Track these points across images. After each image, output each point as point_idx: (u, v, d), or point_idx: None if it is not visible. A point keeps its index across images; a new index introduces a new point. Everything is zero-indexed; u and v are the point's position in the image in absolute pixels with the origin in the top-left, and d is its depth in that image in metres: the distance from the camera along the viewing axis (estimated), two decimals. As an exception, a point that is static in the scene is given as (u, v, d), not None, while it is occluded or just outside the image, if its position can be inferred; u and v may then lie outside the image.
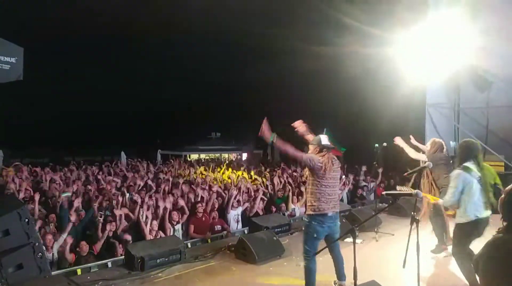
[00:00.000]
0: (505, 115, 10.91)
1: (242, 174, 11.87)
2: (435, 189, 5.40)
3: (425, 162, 5.15)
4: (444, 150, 5.76)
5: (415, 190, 3.04)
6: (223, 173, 12.77)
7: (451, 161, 5.70)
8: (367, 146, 12.57)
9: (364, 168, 12.65)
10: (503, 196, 2.14)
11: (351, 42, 13.26)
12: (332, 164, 4.12)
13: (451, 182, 4.22)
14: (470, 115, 12.05)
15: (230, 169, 13.46)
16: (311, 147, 4.29)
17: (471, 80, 11.15)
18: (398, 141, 6.11)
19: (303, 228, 4.32)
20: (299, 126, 4.52)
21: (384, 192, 4.51)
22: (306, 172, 4.30)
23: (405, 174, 4.84)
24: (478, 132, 11.37)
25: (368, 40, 11.20)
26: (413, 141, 6.28)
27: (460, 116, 12.34)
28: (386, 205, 4.59)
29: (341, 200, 9.93)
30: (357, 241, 5.16)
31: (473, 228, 4.07)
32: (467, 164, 4.20)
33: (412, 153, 5.91)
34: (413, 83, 10.12)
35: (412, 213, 3.44)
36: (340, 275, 4.39)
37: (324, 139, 4.23)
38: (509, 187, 2.20)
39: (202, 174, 12.38)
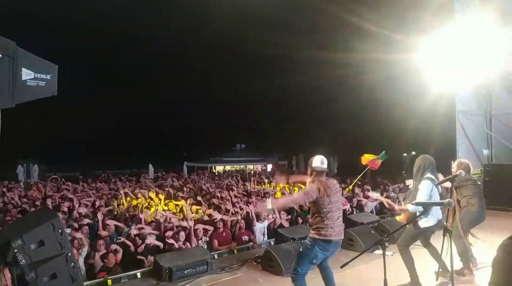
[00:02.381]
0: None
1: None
2: (455, 208, 5.27)
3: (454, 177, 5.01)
4: (471, 171, 5.58)
5: (447, 200, 2.93)
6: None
7: (478, 183, 5.52)
8: (394, 155, 12.29)
9: (401, 185, 12.05)
10: None
11: (375, 49, 13.15)
12: (329, 188, 3.99)
13: (422, 190, 4.52)
14: (503, 121, 11.60)
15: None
16: (308, 169, 4.21)
17: (503, 86, 10.79)
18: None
19: (301, 249, 4.13)
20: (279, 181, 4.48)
21: (413, 202, 4.37)
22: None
23: (436, 183, 4.68)
24: (512, 139, 10.94)
25: (392, 47, 11.06)
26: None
27: (492, 123, 11.90)
28: (418, 215, 4.45)
29: (371, 212, 9.71)
30: (387, 253, 5.05)
31: (429, 231, 4.65)
32: (429, 175, 4.59)
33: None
34: (440, 90, 9.88)
35: (445, 223, 3.33)
36: None
37: (316, 161, 4.10)
38: None
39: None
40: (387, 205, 5.14)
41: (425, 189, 4.55)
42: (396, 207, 4.86)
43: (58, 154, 26.70)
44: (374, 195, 6.38)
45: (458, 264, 5.35)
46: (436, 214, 4.59)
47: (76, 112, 28.39)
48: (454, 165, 5.56)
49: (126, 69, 29.29)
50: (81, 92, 25.72)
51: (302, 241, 6.34)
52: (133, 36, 26.53)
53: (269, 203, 3.92)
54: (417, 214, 4.46)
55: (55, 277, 4.34)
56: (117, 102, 30.14)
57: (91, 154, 27.49)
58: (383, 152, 10.49)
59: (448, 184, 5.11)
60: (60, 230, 4.54)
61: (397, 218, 4.99)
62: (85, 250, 5.88)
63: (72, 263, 4.53)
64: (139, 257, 6.13)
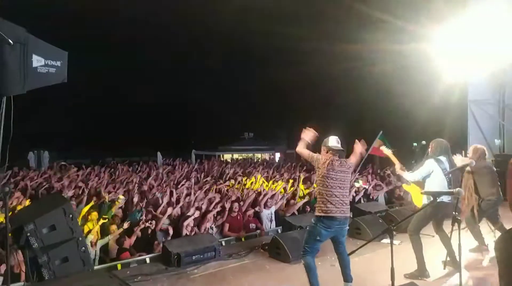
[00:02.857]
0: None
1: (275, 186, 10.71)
2: (472, 196, 5.31)
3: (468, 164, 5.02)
4: (486, 156, 5.56)
5: (457, 189, 2.91)
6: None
7: (494, 169, 5.56)
8: (405, 145, 12.19)
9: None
10: None
11: (386, 39, 12.90)
12: (334, 164, 4.12)
13: (421, 168, 4.74)
14: (517, 111, 11.41)
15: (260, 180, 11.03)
16: (322, 148, 4.34)
17: (517, 75, 10.57)
18: None
19: (307, 228, 4.33)
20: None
21: (422, 191, 4.36)
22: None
23: (446, 173, 4.65)
24: (525, 130, 10.76)
25: (404, 36, 10.84)
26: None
27: (505, 113, 11.70)
28: (426, 204, 4.44)
29: (376, 200, 9.68)
30: (395, 242, 5.06)
31: (439, 213, 4.67)
32: (440, 157, 4.71)
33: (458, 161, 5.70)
34: (452, 80, 9.71)
35: (454, 213, 3.31)
36: (346, 276, 4.25)
37: (332, 140, 4.26)
38: None
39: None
40: (398, 168, 5.19)
41: (424, 167, 4.70)
42: (406, 175, 5.00)
43: (67, 141, 27.05)
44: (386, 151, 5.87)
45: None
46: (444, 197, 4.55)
47: (85, 99, 28.63)
48: (469, 151, 5.62)
49: (135, 57, 29.31)
50: (90, 80, 25.85)
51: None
52: (141, 23, 26.47)
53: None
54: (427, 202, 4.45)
55: (67, 261, 4.45)
56: (125, 90, 30.32)
57: (99, 142, 27.79)
58: (380, 132, 10.38)
59: (467, 161, 5.19)
60: (71, 215, 4.62)
61: (404, 186, 5.05)
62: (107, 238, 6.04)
63: (83, 248, 4.62)
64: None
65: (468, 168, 5.27)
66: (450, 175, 4.71)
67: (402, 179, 5.28)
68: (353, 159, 4.42)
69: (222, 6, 22.06)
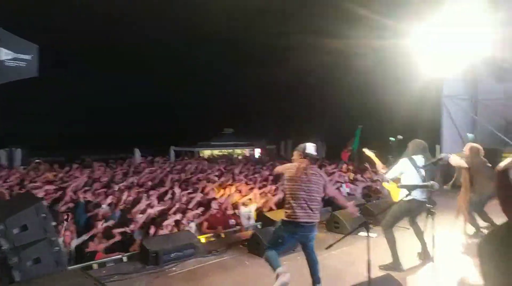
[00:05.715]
0: (523, 105, 10.63)
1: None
2: (467, 190, 5.63)
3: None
4: (482, 154, 5.81)
5: (431, 182, 2.98)
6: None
7: (488, 165, 5.81)
8: (383, 140, 12.36)
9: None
10: None
11: (365, 34, 13.05)
12: (307, 170, 4.07)
13: (395, 166, 4.93)
14: (489, 106, 11.78)
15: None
16: (295, 153, 4.29)
17: (490, 72, 10.89)
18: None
19: (274, 228, 4.39)
20: None
21: (398, 185, 4.46)
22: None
23: (421, 167, 4.77)
24: (496, 124, 11.15)
25: (383, 32, 10.99)
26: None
27: (478, 108, 12.07)
28: (401, 199, 4.55)
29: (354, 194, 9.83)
30: (372, 235, 5.13)
31: (412, 209, 4.81)
32: (415, 156, 4.89)
33: (454, 162, 5.92)
34: (428, 75, 9.93)
35: (428, 206, 3.38)
36: (315, 279, 4.12)
37: (310, 147, 4.21)
38: None
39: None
40: (380, 168, 5.48)
41: (397, 165, 4.89)
42: (383, 171, 5.25)
43: (41, 138, 26.19)
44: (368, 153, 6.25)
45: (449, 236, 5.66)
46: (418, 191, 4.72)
47: (60, 94, 27.77)
48: (465, 149, 5.95)
49: (111, 51, 28.58)
50: (65, 74, 25.07)
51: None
52: (119, 17, 25.82)
53: None
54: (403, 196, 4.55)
55: (39, 262, 4.30)
56: (101, 85, 29.59)
57: (76, 139, 27.04)
58: (359, 128, 10.61)
59: (464, 165, 5.53)
60: (43, 215, 4.47)
61: (384, 185, 5.17)
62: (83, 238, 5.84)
63: (57, 248, 4.48)
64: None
65: (465, 165, 5.61)
66: (424, 172, 4.85)
67: (384, 177, 5.41)
68: (334, 193, 4.47)
69: (202, 1, 21.82)
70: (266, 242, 4.25)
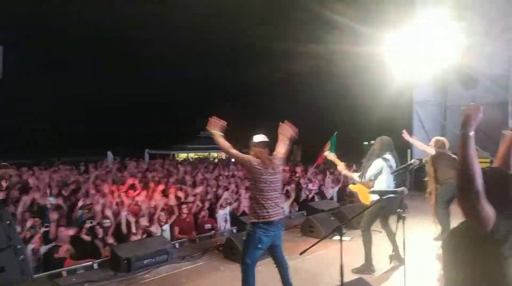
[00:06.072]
0: (490, 112, 10.99)
1: None
2: (432, 182, 5.87)
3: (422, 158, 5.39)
4: (447, 147, 6.04)
5: (401, 188, 3.04)
6: None
7: (453, 156, 5.91)
8: (357, 144, 12.62)
9: (354, 167, 12.54)
10: None
11: (342, 41, 13.30)
12: (267, 165, 3.83)
13: (371, 168, 4.93)
14: (457, 112, 12.20)
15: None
16: (251, 150, 4.00)
17: (457, 79, 11.31)
18: (406, 136, 6.34)
19: (244, 237, 3.96)
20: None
21: (370, 190, 4.54)
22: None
23: (392, 172, 4.89)
24: (464, 129, 11.50)
25: (359, 39, 11.24)
26: (405, 135, 6.39)
27: (447, 113, 12.50)
28: (375, 201, 4.65)
29: (331, 198, 9.95)
30: (346, 238, 5.20)
31: (386, 207, 4.79)
32: (385, 155, 4.93)
33: (420, 145, 6.26)
34: (401, 81, 10.20)
35: (399, 210, 3.45)
36: (286, 284, 3.99)
37: (258, 137, 3.98)
38: None
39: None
40: (347, 174, 5.50)
41: (374, 166, 4.89)
42: (354, 176, 5.26)
43: (8, 139, 25.15)
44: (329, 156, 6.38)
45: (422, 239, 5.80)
46: (390, 186, 4.90)
47: (29, 95, 26.82)
48: (432, 142, 6.12)
49: (83, 52, 27.91)
50: (33, 75, 24.24)
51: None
52: (95, 18, 25.26)
53: (215, 133, 3.94)
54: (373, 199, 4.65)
55: (3, 271, 4.10)
56: (74, 85, 28.78)
57: (45, 141, 26.13)
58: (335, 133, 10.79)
59: (431, 151, 5.78)
60: (8, 222, 4.28)
61: (350, 186, 5.23)
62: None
63: (22, 256, 4.29)
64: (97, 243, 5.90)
65: (429, 157, 5.83)
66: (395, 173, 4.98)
67: (349, 179, 5.49)
68: (281, 149, 4.07)
69: (187, 4, 21.66)
70: (244, 255, 3.86)
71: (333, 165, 6.67)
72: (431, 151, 5.92)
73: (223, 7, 20.89)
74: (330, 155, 5.63)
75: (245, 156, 3.91)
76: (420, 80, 11.26)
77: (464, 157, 1.67)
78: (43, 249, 5.54)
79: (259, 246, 3.82)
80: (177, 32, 26.89)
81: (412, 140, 6.36)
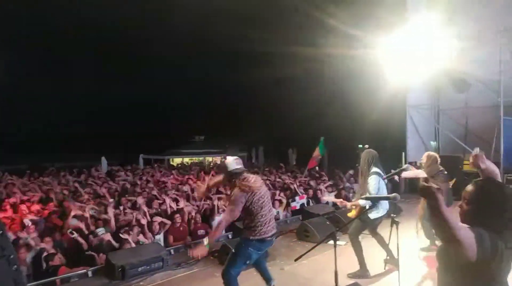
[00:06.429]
0: (483, 115, 11.20)
1: None
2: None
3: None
4: (438, 162, 5.99)
5: (394, 194, 3.07)
6: None
7: (445, 172, 5.95)
8: (351, 148, 12.65)
9: (351, 172, 12.53)
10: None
11: (336, 44, 13.38)
12: (253, 185, 3.79)
13: (371, 184, 4.80)
14: (450, 115, 12.32)
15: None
16: (224, 176, 4.00)
17: (450, 82, 11.41)
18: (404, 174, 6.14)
19: (234, 250, 3.91)
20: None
21: (363, 196, 4.57)
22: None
23: (384, 177, 4.92)
24: (457, 132, 11.64)
25: (353, 42, 11.31)
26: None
27: (440, 117, 12.60)
28: (367, 208, 4.68)
29: (326, 203, 9.94)
30: (341, 243, 5.22)
31: (377, 221, 4.93)
32: (375, 169, 4.87)
33: (411, 174, 6.05)
34: (395, 85, 10.27)
35: (392, 215, 3.48)
36: (268, 279, 4.20)
37: (231, 164, 3.87)
38: None
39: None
40: (339, 204, 5.50)
41: (374, 182, 4.82)
42: (348, 205, 5.15)
43: (1, 145, 24.93)
44: (328, 198, 6.69)
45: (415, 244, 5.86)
46: (384, 206, 4.90)
47: (23, 100, 26.63)
48: (423, 158, 6.04)
49: (76, 57, 27.79)
50: (29, 79, 24.07)
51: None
52: (86, 26, 25.19)
53: (205, 241, 3.61)
54: (367, 207, 4.67)
55: (-5, 282, 4.05)
56: (68, 91, 28.62)
57: (39, 146, 25.91)
58: (321, 139, 10.84)
59: (422, 175, 5.64)
60: (1, 231, 4.22)
61: (349, 214, 5.15)
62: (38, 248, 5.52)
63: (15, 266, 4.23)
64: (90, 252, 5.84)
65: (424, 174, 5.73)
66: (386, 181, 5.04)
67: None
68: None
69: (180, 6, 21.67)
70: (228, 266, 3.79)
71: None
72: (422, 174, 5.82)
73: (223, 8, 20.95)
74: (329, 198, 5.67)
75: (237, 201, 3.72)
76: (413, 84, 11.35)
77: (437, 216, 1.68)
78: (28, 257, 5.47)
79: (248, 262, 3.84)
80: (173, 33, 26.89)
81: (405, 174, 6.14)
